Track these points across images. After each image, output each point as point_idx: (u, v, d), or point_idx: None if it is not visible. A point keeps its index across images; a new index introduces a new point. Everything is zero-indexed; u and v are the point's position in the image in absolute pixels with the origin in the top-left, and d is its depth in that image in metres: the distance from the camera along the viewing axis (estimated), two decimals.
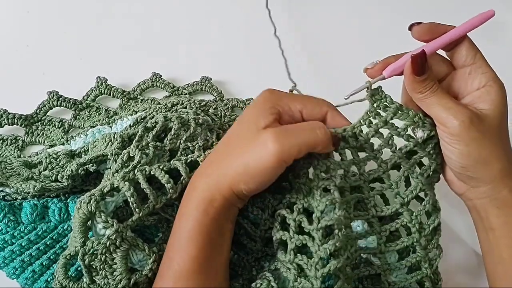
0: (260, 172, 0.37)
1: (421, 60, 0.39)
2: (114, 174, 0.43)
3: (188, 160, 0.44)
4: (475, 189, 0.42)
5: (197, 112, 0.52)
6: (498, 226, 0.41)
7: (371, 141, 0.43)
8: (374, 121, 0.42)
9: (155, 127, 0.47)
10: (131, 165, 0.43)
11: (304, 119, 0.41)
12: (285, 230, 0.41)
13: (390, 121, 0.42)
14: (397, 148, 0.43)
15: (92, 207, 0.39)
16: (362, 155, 0.44)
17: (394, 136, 0.43)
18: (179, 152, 0.46)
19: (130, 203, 0.40)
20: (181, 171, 0.43)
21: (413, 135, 0.43)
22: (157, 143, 0.46)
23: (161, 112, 0.53)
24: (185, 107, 0.55)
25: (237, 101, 0.61)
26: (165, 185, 0.41)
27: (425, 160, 0.44)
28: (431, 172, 0.44)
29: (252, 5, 0.67)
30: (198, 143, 0.47)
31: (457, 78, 0.42)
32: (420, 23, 0.41)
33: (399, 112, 0.41)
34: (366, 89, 0.42)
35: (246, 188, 0.38)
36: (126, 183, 0.40)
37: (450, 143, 0.40)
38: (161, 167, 0.42)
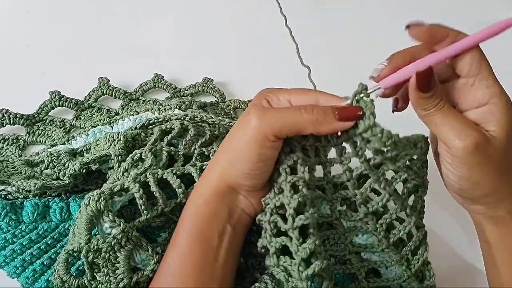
0: (245, 150, 0.37)
1: (427, 77, 0.36)
2: (124, 174, 0.43)
3: (204, 167, 0.44)
4: (470, 205, 0.41)
5: (213, 125, 0.53)
6: (494, 241, 0.40)
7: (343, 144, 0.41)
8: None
9: (171, 132, 0.48)
10: (142, 167, 0.43)
11: None
12: (264, 235, 0.40)
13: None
14: (365, 159, 0.40)
15: (101, 205, 0.39)
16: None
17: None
18: (193, 158, 0.47)
19: (139, 205, 0.41)
20: (195, 177, 0.43)
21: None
22: (171, 147, 0.47)
23: (173, 119, 0.53)
24: (200, 121, 0.55)
25: (239, 102, 0.62)
26: (177, 190, 0.42)
27: (391, 173, 0.42)
28: (409, 186, 0.42)
29: (255, 6, 0.67)
30: (213, 147, 0.48)
31: (458, 88, 0.38)
32: (418, 24, 0.37)
33: (370, 131, 0.37)
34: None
35: (236, 173, 0.38)
36: (137, 184, 0.41)
37: (451, 164, 0.37)
38: (174, 171, 0.43)
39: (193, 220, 0.38)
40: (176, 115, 0.54)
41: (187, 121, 0.52)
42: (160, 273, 0.39)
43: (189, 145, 0.48)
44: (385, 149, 0.39)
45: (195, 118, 0.53)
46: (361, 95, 0.37)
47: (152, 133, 0.49)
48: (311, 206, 0.37)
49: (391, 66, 0.37)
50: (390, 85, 0.37)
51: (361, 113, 0.36)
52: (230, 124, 0.54)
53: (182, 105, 0.57)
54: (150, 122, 0.52)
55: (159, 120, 0.52)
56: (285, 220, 0.38)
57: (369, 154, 0.40)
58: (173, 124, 0.49)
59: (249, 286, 0.44)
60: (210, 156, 0.47)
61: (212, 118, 0.53)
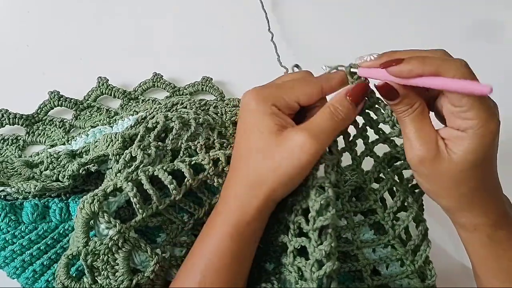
0: (298, 176, 0.38)
1: (385, 91, 0.37)
2: (117, 174, 0.42)
3: (193, 162, 0.44)
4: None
5: (197, 112, 0.52)
6: (466, 245, 0.41)
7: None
8: None
9: (156, 127, 0.47)
10: (133, 165, 0.43)
11: (302, 106, 0.40)
12: (287, 233, 0.41)
13: (366, 111, 0.41)
14: (369, 141, 0.43)
15: (95, 207, 0.39)
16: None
17: (367, 127, 0.43)
18: (181, 152, 0.46)
19: (133, 204, 0.40)
20: (185, 173, 0.42)
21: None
22: (159, 143, 0.46)
23: (161, 112, 0.53)
24: (185, 107, 0.55)
25: (238, 101, 0.61)
26: (168, 186, 0.41)
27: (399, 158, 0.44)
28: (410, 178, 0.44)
29: (255, 6, 0.67)
30: (199, 142, 0.47)
31: (445, 106, 0.37)
32: (401, 61, 0.35)
33: (376, 105, 0.40)
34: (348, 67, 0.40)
35: (285, 191, 0.39)
36: (129, 183, 0.40)
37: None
38: (164, 168, 0.42)
39: (237, 241, 0.38)
40: (160, 106, 0.54)
41: (171, 112, 0.51)
42: (189, 283, 0.38)
43: (176, 138, 0.47)
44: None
45: (178, 104, 0.54)
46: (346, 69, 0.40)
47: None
48: (333, 207, 0.38)
49: (375, 62, 0.38)
50: (363, 76, 0.39)
51: (366, 88, 0.39)
52: (209, 103, 0.56)
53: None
54: (143, 117, 0.52)
55: (147, 116, 0.52)
56: (307, 221, 0.39)
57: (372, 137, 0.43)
58: (157, 118, 0.48)
59: (249, 285, 0.44)
60: (197, 150, 0.47)
61: (194, 102, 0.54)
